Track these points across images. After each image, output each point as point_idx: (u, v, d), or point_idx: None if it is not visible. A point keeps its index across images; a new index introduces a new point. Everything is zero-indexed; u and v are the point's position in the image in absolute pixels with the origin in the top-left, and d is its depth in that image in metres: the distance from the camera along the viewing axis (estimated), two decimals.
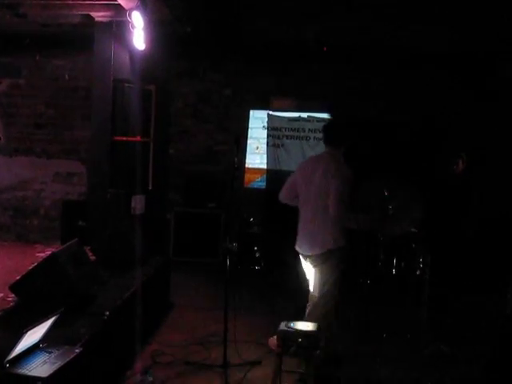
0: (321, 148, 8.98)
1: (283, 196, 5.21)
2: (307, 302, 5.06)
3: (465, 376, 4.81)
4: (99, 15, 6.70)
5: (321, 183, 4.80)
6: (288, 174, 8.98)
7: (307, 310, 5.00)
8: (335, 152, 5.00)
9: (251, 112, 9.41)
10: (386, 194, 4.85)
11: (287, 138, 9.21)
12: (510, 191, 8.03)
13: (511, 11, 6.52)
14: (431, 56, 8.52)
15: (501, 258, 7.01)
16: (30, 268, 4.42)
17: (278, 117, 9.23)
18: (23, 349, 3.10)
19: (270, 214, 9.02)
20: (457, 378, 4.78)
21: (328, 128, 5.21)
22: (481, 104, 8.55)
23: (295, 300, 6.77)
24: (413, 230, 5.46)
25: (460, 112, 8.61)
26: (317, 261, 4.86)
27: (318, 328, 4.11)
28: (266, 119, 9.25)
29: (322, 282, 4.86)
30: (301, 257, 5.06)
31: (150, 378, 4.44)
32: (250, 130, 9.41)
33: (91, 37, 6.89)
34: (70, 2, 6.42)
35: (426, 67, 8.73)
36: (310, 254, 4.91)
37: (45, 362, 3.09)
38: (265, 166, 9.27)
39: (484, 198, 7.48)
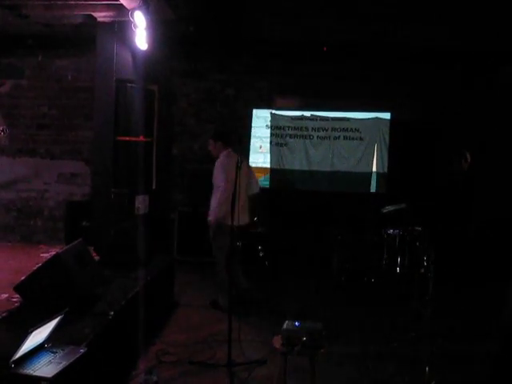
0: (324, 147, 9.15)
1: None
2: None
3: (469, 375, 4.81)
4: (101, 15, 6.71)
5: (245, 172, 6.23)
6: (291, 172, 9.16)
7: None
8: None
9: (254, 111, 9.41)
10: None
11: (290, 137, 9.23)
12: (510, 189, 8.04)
13: (509, 11, 6.54)
14: (431, 55, 8.53)
15: (503, 255, 7.01)
16: (35, 269, 4.43)
17: (281, 116, 9.24)
18: (28, 349, 3.10)
19: (274, 213, 9.04)
20: (461, 377, 4.78)
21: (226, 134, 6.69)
22: (481, 103, 8.56)
23: (299, 299, 6.79)
24: (417, 228, 5.46)
25: (460, 112, 8.62)
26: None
27: (323, 327, 4.10)
28: (269, 118, 9.27)
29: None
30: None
31: (155, 378, 4.43)
32: (253, 129, 9.41)
33: (94, 37, 6.90)
34: (73, 3, 6.43)
35: (426, 66, 8.74)
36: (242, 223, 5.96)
37: (50, 362, 3.09)
38: (268, 165, 9.29)
39: (485, 195, 7.48)
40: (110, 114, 6.91)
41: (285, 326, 4.05)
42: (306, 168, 9.21)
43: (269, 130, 9.28)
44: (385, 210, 6.14)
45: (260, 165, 9.42)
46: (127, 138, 7.62)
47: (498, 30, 7.39)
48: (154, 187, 8.39)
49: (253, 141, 9.41)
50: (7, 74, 9.24)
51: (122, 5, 6.15)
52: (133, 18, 5.80)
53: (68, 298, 4.07)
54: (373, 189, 8.95)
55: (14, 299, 4.51)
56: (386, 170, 8.84)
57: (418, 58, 8.68)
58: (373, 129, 9.04)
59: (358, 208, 8.51)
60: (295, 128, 9.23)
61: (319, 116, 9.20)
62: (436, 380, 4.53)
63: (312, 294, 7.19)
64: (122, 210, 6.92)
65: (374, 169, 8.94)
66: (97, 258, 5.62)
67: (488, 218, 7.79)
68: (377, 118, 9.06)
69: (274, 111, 9.26)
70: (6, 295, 4.67)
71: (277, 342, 4.07)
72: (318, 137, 9.17)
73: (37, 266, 4.53)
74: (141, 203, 7.20)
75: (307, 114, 9.23)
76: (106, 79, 6.88)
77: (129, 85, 7.39)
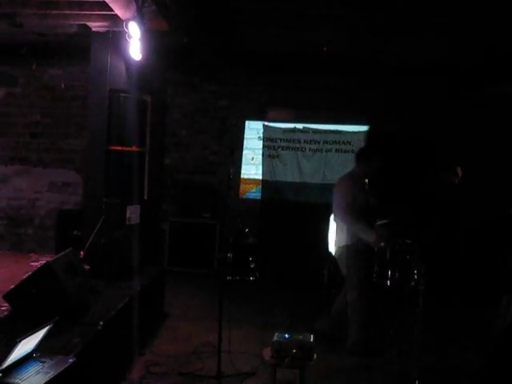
0: (316, 159, 9.16)
1: None
2: None
3: None
4: (96, 25, 6.73)
5: None
6: (283, 184, 9.17)
7: None
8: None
9: (247, 123, 9.44)
10: None
11: (282, 149, 9.25)
12: (497, 202, 8.07)
13: (499, 25, 6.60)
14: (420, 69, 8.62)
15: (494, 268, 7.03)
16: (24, 277, 4.41)
17: (274, 128, 9.27)
18: (16, 358, 3.08)
19: (265, 224, 9.04)
20: None
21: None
22: (470, 117, 8.63)
23: (290, 311, 6.79)
24: (407, 241, 5.47)
25: (450, 125, 8.69)
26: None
27: (312, 339, 4.10)
28: (262, 130, 9.29)
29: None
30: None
31: None
32: (245, 140, 9.44)
33: (88, 46, 6.92)
34: (67, 12, 6.44)
35: (417, 80, 8.82)
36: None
37: (38, 372, 3.07)
38: (260, 177, 9.30)
39: (475, 208, 7.52)
40: (102, 124, 6.91)
41: (275, 337, 4.05)
42: (297, 180, 9.23)
43: (261, 142, 9.30)
44: (378, 223, 6.12)
45: (252, 176, 9.44)
46: (119, 148, 7.59)
47: (486, 46, 7.49)
48: (145, 197, 8.37)
49: (245, 152, 9.43)
50: (0, 82, 9.24)
51: (116, 15, 6.17)
52: (127, 28, 5.80)
53: (57, 307, 4.05)
54: None
55: (3, 308, 4.48)
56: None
57: (408, 72, 8.75)
58: (364, 142, 9.07)
59: None
60: (287, 140, 9.25)
61: (311, 128, 9.24)
62: None
63: (303, 306, 7.18)
64: (114, 219, 6.89)
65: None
66: (87, 267, 5.59)
67: (478, 231, 7.82)
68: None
69: (266, 123, 9.29)
70: None
71: (266, 353, 4.07)
72: (310, 149, 9.20)
73: (26, 274, 4.50)
74: (132, 213, 7.17)
75: (299, 126, 9.27)
76: (99, 89, 6.90)
77: (122, 95, 7.39)
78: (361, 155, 5.82)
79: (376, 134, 8.84)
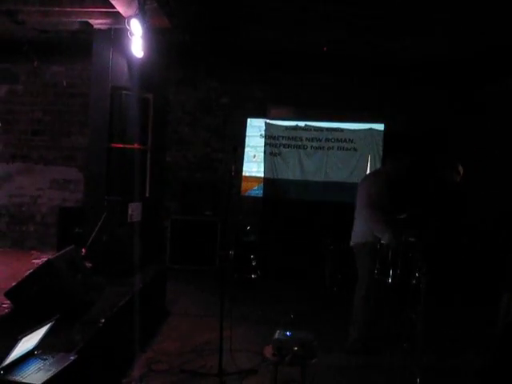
0: (318, 157, 9.16)
1: None
2: None
3: None
4: (98, 22, 6.71)
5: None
6: (285, 182, 9.16)
7: None
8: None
9: (249, 120, 9.44)
10: None
11: (284, 147, 9.25)
12: (498, 201, 8.08)
13: (499, 25, 6.59)
14: (418, 68, 8.61)
15: (495, 267, 7.03)
16: (26, 274, 4.41)
17: (276, 125, 9.27)
18: (18, 356, 3.08)
19: (267, 222, 9.04)
20: None
21: None
22: (469, 118, 8.62)
23: (291, 309, 6.78)
24: (411, 239, 5.47)
25: (452, 124, 8.68)
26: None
27: (313, 337, 4.10)
28: (264, 127, 9.29)
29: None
30: None
31: None
32: (247, 138, 9.44)
33: (90, 44, 6.90)
34: (69, 10, 6.43)
35: (420, 78, 8.81)
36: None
37: (39, 369, 3.07)
38: (262, 175, 9.30)
39: (478, 207, 7.52)
40: (104, 121, 6.90)
41: (276, 335, 4.05)
42: (299, 178, 9.23)
43: (263, 140, 9.30)
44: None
45: (254, 174, 9.44)
46: (121, 145, 7.58)
47: (486, 45, 7.48)
48: (147, 195, 8.37)
49: (247, 150, 9.44)
50: (2, 79, 9.24)
51: (118, 12, 6.15)
52: (129, 25, 5.79)
53: (59, 304, 4.05)
54: None
55: (5, 305, 4.49)
56: None
57: (408, 72, 8.75)
58: (366, 140, 9.07)
59: (351, 218, 8.52)
60: (289, 138, 9.26)
61: (313, 126, 9.23)
62: None
63: (304, 304, 7.18)
64: (115, 217, 6.88)
65: None
66: (89, 264, 5.59)
67: (479, 230, 7.81)
68: (370, 128, 9.11)
69: (268, 121, 9.29)
70: None
71: (268, 351, 4.07)
72: (311, 147, 9.20)
73: (28, 271, 4.50)
74: (134, 211, 7.16)
75: (301, 124, 9.27)
76: (101, 86, 6.88)
77: (124, 92, 7.37)
78: (389, 154, 5.85)
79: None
